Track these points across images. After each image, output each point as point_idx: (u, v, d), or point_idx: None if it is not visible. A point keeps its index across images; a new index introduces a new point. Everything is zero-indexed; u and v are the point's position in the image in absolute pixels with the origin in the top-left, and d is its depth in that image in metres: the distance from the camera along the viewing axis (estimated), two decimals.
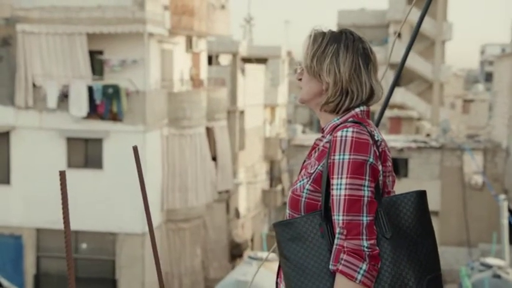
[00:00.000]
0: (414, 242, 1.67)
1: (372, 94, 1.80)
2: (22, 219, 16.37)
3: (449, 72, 37.96)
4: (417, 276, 1.64)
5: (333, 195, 1.65)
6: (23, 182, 16.36)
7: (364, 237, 1.59)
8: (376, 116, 2.68)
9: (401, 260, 1.63)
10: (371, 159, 1.65)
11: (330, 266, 1.63)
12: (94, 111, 15.75)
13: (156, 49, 16.92)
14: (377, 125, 2.29)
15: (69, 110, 15.70)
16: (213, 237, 19.52)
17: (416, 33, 2.35)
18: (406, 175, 22.32)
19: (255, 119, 24.62)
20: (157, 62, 16.95)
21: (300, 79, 1.86)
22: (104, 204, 16.07)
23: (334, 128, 1.74)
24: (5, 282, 16.77)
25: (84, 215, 16.04)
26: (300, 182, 1.75)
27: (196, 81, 19.07)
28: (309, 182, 1.73)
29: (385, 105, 2.50)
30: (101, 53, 16.35)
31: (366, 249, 1.58)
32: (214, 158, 19.18)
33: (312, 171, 1.74)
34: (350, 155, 1.64)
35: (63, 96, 15.84)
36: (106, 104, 15.63)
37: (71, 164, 16.25)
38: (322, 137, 1.82)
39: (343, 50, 1.76)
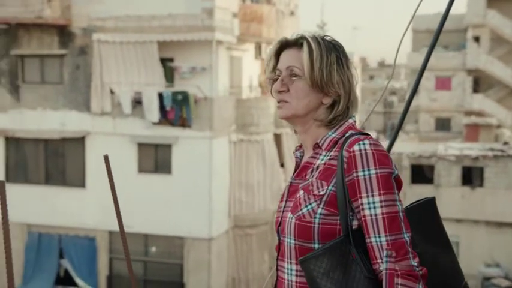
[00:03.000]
0: (435, 254, 1.66)
1: (356, 103, 1.68)
2: (96, 221, 16.83)
3: None
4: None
5: (364, 216, 1.47)
6: (97, 186, 16.83)
7: (411, 255, 1.45)
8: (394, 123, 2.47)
9: (430, 274, 1.52)
10: (395, 171, 1.51)
11: None
12: (164, 117, 16.02)
13: (225, 56, 17.01)
14: (397, 132, 2.19)
15: (145, 116, 16.05)
16: None
17: (436, 39, 2.13)
18: (481, 185, 21.34)
19: None
20: (226, 68, 17.05)
21: (284, 90, 1.63)
22: (173, 208, 16.29)
23: (335, 143, 1.59)
24: (80, 282, 17.32)
25: (154, 219, 16.33)
26: (306, 206, 1.54)
27: (265, 88, 19.04)
28: (321, 206, 1.52)
29: (405, 112, 2.30)
30: (171, 60, 16.61)
31: (417, 269, 1.44)
32: (282, 165, 19.07)
33: (322, 193, 1.53)
34: (376, 169, 1.47)
35: (136, 103, 16.22)
36: (176, 110, 15.86)
37: (141, 169, 16.59)
38: (316, 154, 1.63)
39: (343, 57, 1.62)
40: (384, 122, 38.30)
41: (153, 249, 16.80)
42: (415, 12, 2.13)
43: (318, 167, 1.59)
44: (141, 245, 16.64)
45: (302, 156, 1.69)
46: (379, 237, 1.46)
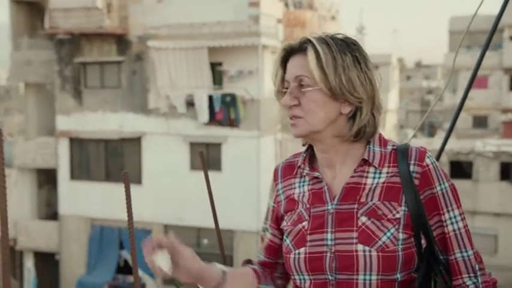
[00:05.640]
0: None
1: (381, 108, 1.38)
2: (152, 215, 17.07)
3: None
4: None
5: (448, 232, 1.32)
6: (152, 182, 17.07)
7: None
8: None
9: None
10: None
11: None
12: (214, 118, 16.15)
13: (270, 60, 17.00)
14: (450, 133, 2.04)
15: (197, 117, 16.22)
16: None
17: (490, 40, 2.05)
18: None
19: None
20: (271, 71, 17.02)
21: (295, 105, 1.33)
22: (223, 203, 16.36)
23: (388, 158, 1.34)
24: (139, 272, 17.62)
25: (206, 213, 16.42)
26: (385, 234, 1.28)
27: None
28: (400, 230, 1.29)
29: (458, 111, 2.22)
30: (220, 64, 16.70)
31: (492, 277, 1.36)
32: None
33: (398, 216, 1.29)
34: (448, 181, 1.33)
35: (188, 105, 16.40)
36: (224, 111, 15.96)
37: (193, 167, 16.74)
38: (362, 171, 1.34)
39: (361, 58, 1.32)
40: (421, 120, 37.81)
41: (205, 241, 16.93)
42: (476, 12, 2.06)
43: (375, 187, 1.32)
44: (193, 237, 16.80)
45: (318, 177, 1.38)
46: (466, 251, 1.32)
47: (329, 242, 1.31)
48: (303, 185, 1.41)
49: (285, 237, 1.40)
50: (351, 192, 1.33)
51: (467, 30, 2.10)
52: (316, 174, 1.38)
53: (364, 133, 1.33)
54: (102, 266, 17.54)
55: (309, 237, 1.33)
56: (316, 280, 1.32)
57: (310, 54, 1.30)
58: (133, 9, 17.07)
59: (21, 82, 19.46)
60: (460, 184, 20.40)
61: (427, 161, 1.32)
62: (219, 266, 1.37)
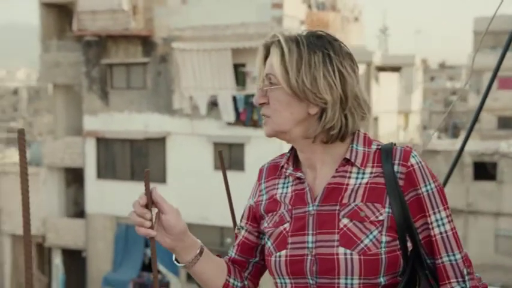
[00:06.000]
0: None
1: (367, 109, 1.29)
2: None
3: None
4: None
5: (434, 235, 1.25)
6: (177, 182, 17.19)
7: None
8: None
9: None
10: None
11: None
12: (237, 119, 16.20)
13: None
14: (469, 134, 1.96)
15: (221, 117, 16.30)
16: None
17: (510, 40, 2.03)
18: None
19: (388, 125, 23.84)
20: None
21: (265, 103, 1.28)
22: (245, 203, 16.40)
23: (372, 157, 1.27)
24: (163, 269, 17.75)
25: (229, 213, 16.49)
26: (368, 236, 1.21)
27: None
28: (383, 233, 1.22)
29: (478, 112, 2.20)
30: (243, 65, 16.74)
31: (482, 282, 1.30)
32: None
33: (381, 218, 1.22)
34: (434, 182, 1.25)
35: (212, 105, 16.48)
36: (247, 112, 15.99)
37: (217, 167, 16.81)
38: (344, 172, 1.27)
39: (334, 57, 1.24)
40: (445, 121, 37.26)
41: (228, 240, 16.98)
42: (495, 13, 2.04)
43: (357, 188, 1.25)
44: (217, 236, 16.86)
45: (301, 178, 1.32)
46: (454, 255, 1.25)
47: (310, 245, 1.25)
48: (287, 186, 1.35)
49: (266, 239, 1.34)
50: (333, 193, 1.26)
51: (487, 30, 2.09)
52: (299, 174, 1.32)
53: (331, 136, 1.25)
54: (127, 264, 17.72)
55: (290, 240, 1.27)
56: (297, 284, 1.26)
57: (275, 52, 1.26)
58: (158, 11, 17.22)
59: (50, 83, 19.80)
60: (484, 185, 20.10)
61: (412, 160, 1.25)
62: (198, 240, 1.35)
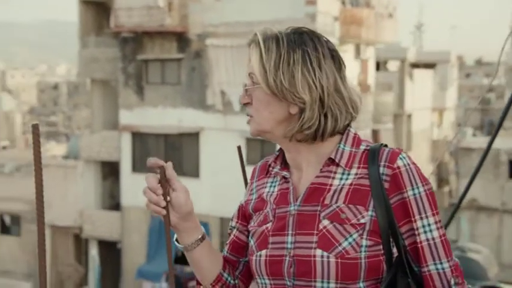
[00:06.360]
0: None
1: (354, 108, 1.24)
2: (208, 208, 17.29)
3: None
4: None
5: (421, 242, 1.18)
6: (210, 176, 17.30)
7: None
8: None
9: None
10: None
11: None
12: None
13: None
14: (497, 131, 1.91)
15: None
16: None
17: None
18: None
19: (422, 122, 23.49)
20: None
21: (248, 103, 1.27)
22: None
23: (359, 158, 1.22)
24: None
25: None
26: (347, 239, 1.17)
27: (363, 86, 18.68)
28: (365, 236, 1.17)
29: (507, 110, 2.15)
30: None
31: None
32: None
33: (363, 221, 1.17)
34: (423, 186, 1.19)
35: None
36: None
37: (249, 161, 16.80)
38: (329, 172, 1.23)
39: (314, 55, 1.20)
40: (480, 119, 36.43)
41: None
42: None
43: (341, 189, 1.20)
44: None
45: (287, 177, 1.29)
46: (441, 263, 1.18)
47: (289, 246, 1.21)
48: (274, 185, 1.32)
49: (249, 238, 1.32)
50: (315, 193, 1.22)
51: None
52: (284, 173, 1.29)
53: (306, 135, 1.21)
54: (160, 256, 17.93)
55: (270, 239, 1.24)
56: (276, 285, 1.23)
57: (254, 51, 1.24)
58: (192, 7, 17.34)
59: (88, 78, 20.17)
60: None
61: (399, 162, 1.18)
62: (202, 227, 1.35)
